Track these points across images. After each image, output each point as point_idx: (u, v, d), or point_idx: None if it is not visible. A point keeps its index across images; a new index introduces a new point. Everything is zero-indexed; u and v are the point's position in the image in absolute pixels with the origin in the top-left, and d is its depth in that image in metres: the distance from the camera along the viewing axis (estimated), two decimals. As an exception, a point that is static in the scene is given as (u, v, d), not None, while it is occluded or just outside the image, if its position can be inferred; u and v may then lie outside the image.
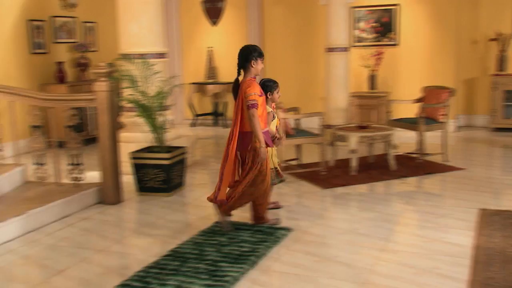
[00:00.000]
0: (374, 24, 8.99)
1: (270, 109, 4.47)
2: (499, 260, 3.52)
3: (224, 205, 4.22)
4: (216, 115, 10.17)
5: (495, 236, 3.96)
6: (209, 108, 10.31)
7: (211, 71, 10.05)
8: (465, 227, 4.22)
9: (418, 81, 8.25)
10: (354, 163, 6.01)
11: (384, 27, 8.95)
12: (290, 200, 5.20)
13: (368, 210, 4.81)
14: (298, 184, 5.76)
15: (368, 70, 8.78)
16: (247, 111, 4.01)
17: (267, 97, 4.41)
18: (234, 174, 4.24)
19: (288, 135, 5.74)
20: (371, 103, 8.65)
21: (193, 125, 10.13)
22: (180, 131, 6.84)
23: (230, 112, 9.57)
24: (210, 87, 9.90)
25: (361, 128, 6.34)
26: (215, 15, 9.99)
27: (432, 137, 7.04)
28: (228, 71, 9.60)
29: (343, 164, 6.31)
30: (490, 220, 4.33)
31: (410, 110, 7.14)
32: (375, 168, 6.26)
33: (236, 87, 4.21)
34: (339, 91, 8.07)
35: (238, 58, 4.17)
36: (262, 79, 4.63)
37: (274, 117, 4.51)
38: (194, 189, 5.66)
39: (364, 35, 9.09)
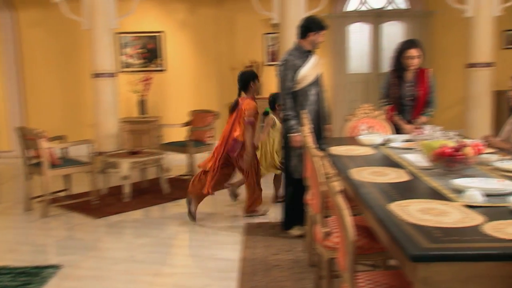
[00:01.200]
0: (140, 50, 9.10)
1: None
2: (262, 269, 3.86)
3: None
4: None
5: (258, 247, 4.33)
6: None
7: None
8: (233, 242, 4.52)
9: (186, 105, 8.58)
10: (127, 190, 5.96)
11: (151, 53, 9.12)
12: (59, 235, 4.91)
13: (144, 236, 4.81)
14: (68, 217, 5.47)
15: (137, 95, 8.82)
16: (244, 125, 5.01)
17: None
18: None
19: (54, 165, 5.42)
20: (142, 128, 8.69)
21: None
22: None
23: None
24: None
25: (133, 153, 6.33)
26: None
27: (201, 159, 7.35)
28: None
29: (116, 191, 6.20)
30: (254, 232, 4.72)
31: (180, 134, 7.38)
32: (149, 193, 6.30)
33: (235, 106, 5.17)
34: (108, 117, 7.91)
35: (238, 82, 5.18)
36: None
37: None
38: None
39: (131, 60, 9.13)
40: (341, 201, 2.08)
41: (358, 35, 9.27)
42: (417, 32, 8.98)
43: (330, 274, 2.93)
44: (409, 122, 4.69)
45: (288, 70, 4.41)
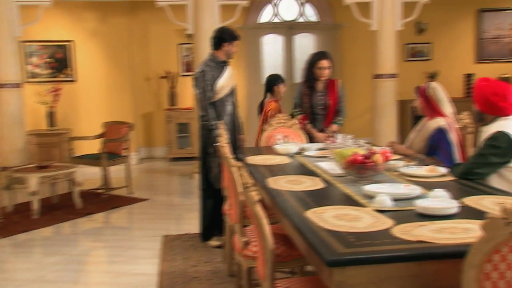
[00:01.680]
0: (48, 60, 8.72)
1: None
2: (181, 282, 3.81)
3: None
4: None
5: (177, 260, 4.28)
6: None
7: None
8: (151, 255, 4.43)
9: (99, 117, 8.32)
10: (35, 206, 5.66)
11: (60, 63, 8.76)
12: (-39, 257, 4.56)
13: (55, 254, 4.59)
14: (-30, 237, 5.11)
15: (46, 106, 8.43)
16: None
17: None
18: None
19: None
20: (51, 141, 8.30)
21: None
22: None
23: None
24: None
25: (42, 167, 6.02)
26: None
27: (116, 171, 7.19)
28: None
29: (24, 208, 5.87)
30: (172, 245, 4.65)
31: (93, 146, 7.14)
32: (60, 208, 6.03)
33: (261, 107, 5.46)
34: (14, 130, 7.49)
35: (265, 85, 5.47)
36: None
37: None
38: None
39: (38, 70, 8.72)
40: (259, 210, 2.11)
41: (272, 46, 9.47)
42: (327, 44, 9.32)
43: (249, 283, 2.95)
44: (321, 130, 4.86)
45: (208, 80, 4.42)
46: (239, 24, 8.52)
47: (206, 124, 4.47)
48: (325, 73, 4.82)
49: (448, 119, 3.76)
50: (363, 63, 9.10)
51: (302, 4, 9.57)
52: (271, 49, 9.46)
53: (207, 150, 4.54)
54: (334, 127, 4.86)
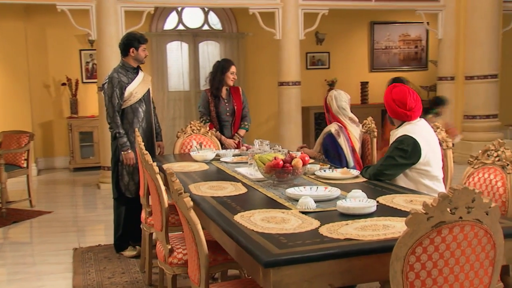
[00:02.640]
0: None
1: None
2: (99, 295, 3.70)
3: None
4: None
5: (91, 273, 4.13)
6: None
7: None
8: (62, 270, 4.24)
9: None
10: None
11: None
12: None
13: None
14: None
15: None
16: None
17: None
18: None
19: None
20: None
21: None
22: None
23: None
24: None
25: None
26: None
27: (15, 184, 6.77)
28: None
29: None
30: (84, 257, 4.48)
31: (-13, 157, 6.67)
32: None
33: None
34: None
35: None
36: None
37: None
38: None
39: None
40: (194, 216, 2.13)
41: (177, 53, 9.44)
42: (232, 51, 9.48)
43: (174, 291, 2.95)
44: (230, 137, 5.00)
45: (115, 87, 4.33)
46: (145, 31, 8.39)
47: (112, 132, 4.38)
48: (235, 78, 4.96)
49: (342, 125, 4.00)
50: (267, 71, 9.36)
51: (206, 12, 9.65)
52: (176, 56, 9.43)
53: (117, 158, 4.45)
54: (241, 132, 5.05)
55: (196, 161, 4.13)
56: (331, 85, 9.83)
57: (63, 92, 8.94)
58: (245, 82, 9.33)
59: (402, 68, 10.52)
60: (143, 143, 3.67)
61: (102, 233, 5.47)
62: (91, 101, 8.92)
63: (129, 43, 4.45)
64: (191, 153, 4.28)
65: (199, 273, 2.15)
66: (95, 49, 8.61)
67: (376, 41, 10.38)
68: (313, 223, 2.34)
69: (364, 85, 10.13)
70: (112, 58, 7.19)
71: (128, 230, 4.50)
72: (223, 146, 4.90)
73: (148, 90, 4.57)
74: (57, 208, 6.35)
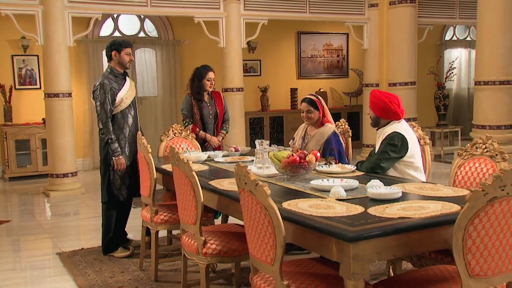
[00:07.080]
0: None
1: None
2: (115, 292, 3.80)
3: None
4: None
5: (89, 274, 4.18)
6: None
7: None
8: (57, 273, 4.27)
9: None
10: None
11: None
12: None
13: None
14: None
15: None
16: None
17: None
18: None
19: None
20: None
21: None
22: None
23: None
24: None
25: None
26: None
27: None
28: None
29: None
30: (73, 260, 4.49)
31: None
32: None
33: None
34: None
35: None
36: None
37: None
38: None
39: None
40: (272, 202, 2.42)
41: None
42: (169, 58, 9.66)
43: (207, 278, 3.20)
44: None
45: (107, 93, 4.42)
46: (80, 37, 8.30)
47: (104, 137, 4.46)
48: (213, 84, 5.22)
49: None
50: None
51: (142, 20, 9.71)
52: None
53: (107, 163, 4.53)
54: (223, 133, 5.33)
55: (192, 162, 4.34)
56: (264, 91, 10.32)
57: (-3, 98, 8.57)
58: (182, 89, 9.50)
59: (326, 75, 11.28)
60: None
61: (77, 237, 5.46)
62: (25, 108, 8.65)
63: (112, 48, 4.56)
64: (184, 155, 4.47)
65: (275, 253, 2.45)
66: (29, 55, 8.42)
67: (302, 50, 11.04)
68: (358, 208, 2.71)
69: (293, 91, 10.72)
70: (60, 64, 7.11)
71: (118, 232, 4.60)
72: (206, 144, 5.15)
73: (135, 96, 4.70)
74: (13, 217, 6.16)
